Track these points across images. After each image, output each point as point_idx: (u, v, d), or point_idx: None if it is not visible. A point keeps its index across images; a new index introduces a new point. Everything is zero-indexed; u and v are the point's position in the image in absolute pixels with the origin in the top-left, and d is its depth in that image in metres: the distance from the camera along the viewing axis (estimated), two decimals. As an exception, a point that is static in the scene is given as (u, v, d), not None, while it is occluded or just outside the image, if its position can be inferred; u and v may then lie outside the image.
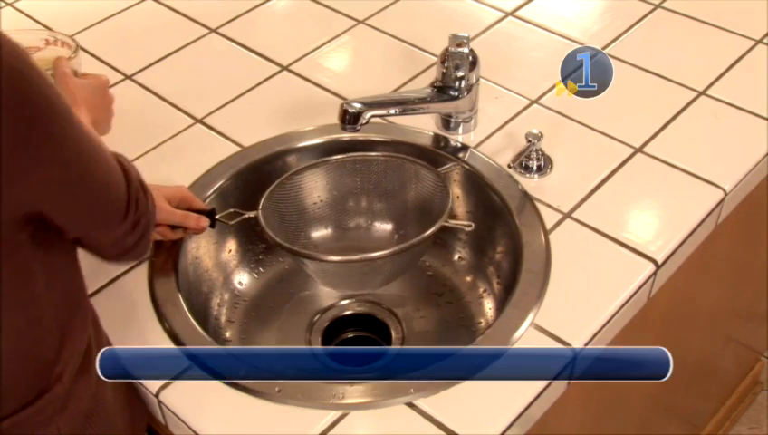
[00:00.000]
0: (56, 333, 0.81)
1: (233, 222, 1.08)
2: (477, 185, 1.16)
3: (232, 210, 1.08)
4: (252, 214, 1.07)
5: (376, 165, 1.16)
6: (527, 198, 1.11)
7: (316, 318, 1.17)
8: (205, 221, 1.06)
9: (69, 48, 1.10)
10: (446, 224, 1.04)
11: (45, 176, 0.70)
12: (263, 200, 1.08)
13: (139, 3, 1.52)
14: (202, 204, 1.09)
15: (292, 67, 1.36)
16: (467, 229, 1.05)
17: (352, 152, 1.17)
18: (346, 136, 1.20)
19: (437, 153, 1.20)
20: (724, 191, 1.11)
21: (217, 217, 1.07)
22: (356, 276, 1.08)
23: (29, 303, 0.77)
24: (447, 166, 1.15)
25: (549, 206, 1.10)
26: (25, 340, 0.78)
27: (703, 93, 1.26)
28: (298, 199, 1.15)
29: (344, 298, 1.19)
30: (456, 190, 1.20)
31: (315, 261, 1.06)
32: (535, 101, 1.26)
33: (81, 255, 0.86)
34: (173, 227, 1.05)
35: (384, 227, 1.22)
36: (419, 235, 1.04)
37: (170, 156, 1.21)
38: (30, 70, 0.67)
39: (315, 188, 1.16)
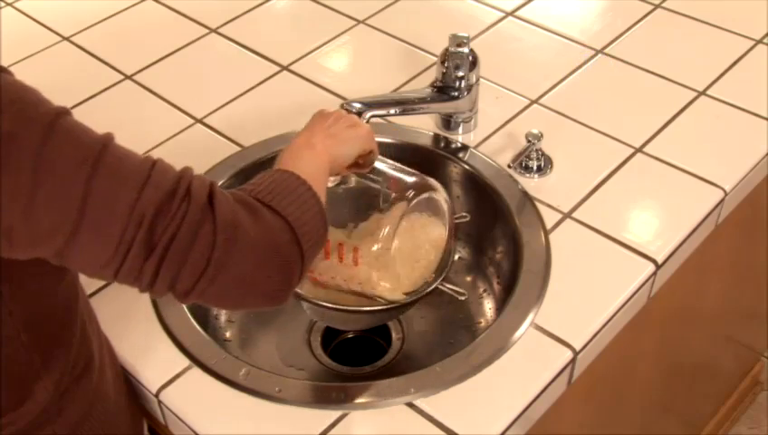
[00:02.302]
0: (36, 355, 0.78)
1: None
2: (477, 185, 1.16)
3: None
4: None
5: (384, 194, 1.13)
6: (527, 198, 1.11)
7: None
8: None
9: None
10: (440, 287, 1.01)
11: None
12: None
13: (138, 3, 1.52)
14: None
15: (292, 67, 1.36)
16: (461, 298, 1.02)
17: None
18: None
19: (437, 153, 1.20)
20: (724, 191, 1.11)
21: None
22: (341, 317, 1.06)
23: None
24: (459, 216, 1.11)
25: (549, 206, 1.10)
26: None
27: (703, 93, 1.26)
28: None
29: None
30: (456, 190, 1.20)
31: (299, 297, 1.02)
32: (535, 101, 1.26)
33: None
34: None
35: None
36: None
37: (170, 156, 1.20)
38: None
39: None
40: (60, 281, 0.79)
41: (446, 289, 1.01)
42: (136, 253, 0.65)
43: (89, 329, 0.86)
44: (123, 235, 0.65)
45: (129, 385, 0.96)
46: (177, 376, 0.94)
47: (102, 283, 1.03)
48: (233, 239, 0.68)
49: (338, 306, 1.01)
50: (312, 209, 0.76)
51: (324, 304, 1.01)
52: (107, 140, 0.67)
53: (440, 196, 1.02)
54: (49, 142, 0.63)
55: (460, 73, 1.15)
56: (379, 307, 1.01)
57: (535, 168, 1.14)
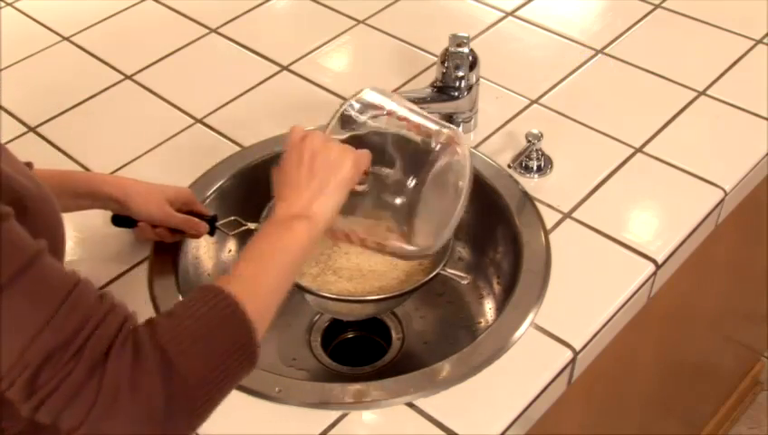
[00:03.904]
0: None
1: (233, 232, 1.07)
2: (477, 185, 1.16)
3: (233, 218, 1.08)
4: (252, 226, 1.06)
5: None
6: (527, 198, 1.11)
7: (316, 318, 1.17)
8: (204, 227, 1.05)
9: None
10: (442, 272, 1.01)
11: None
12: (264, 213, 1.07)
13: (138, 3, 1.52)
14: (204, 209, 1.08)
15: (292, 67, 1.36)
16: (463, 282, 1.02)
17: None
18: (346, 136, 1.20)
19: (437, 153, 1.20)
20: (724, 191, 1.11)
21: (218, 224, 1.07)
22: (345, 308, 1.07)
23: None
24: None
25: (549, 206, 1.10)
26: None
27: (703, 93, 1.26)
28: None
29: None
30: (456, 190, 1.20)
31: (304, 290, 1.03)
32: (535, 101, 1.26)
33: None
34: (172, 231, 1.05)
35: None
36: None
37: (170, 156, 1.21)
38: None
39: None
40: None
41: (448, 274, 1.01)
42: (16, 391, 0.63)
43: None
44: (10, 371, 0.62)
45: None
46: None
47: (102, 283, 1.04)
48: (111, 410, 0.63)
49: (341, 296, 1.02)
50: (222, 351, 0.69)
51: (327, 294, 1.01)
52: (35, 257, 0.64)
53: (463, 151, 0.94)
54: None
55: (460, 73, 1.15)
56: (382, 296, 1.01)
57: (535, 168, 1.14)
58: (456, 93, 1.16)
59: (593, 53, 1.34)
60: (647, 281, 1.02)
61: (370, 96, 0.93)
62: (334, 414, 0.90)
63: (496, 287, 1.15)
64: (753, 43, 1.34)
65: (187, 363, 0.66)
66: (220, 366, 0.68)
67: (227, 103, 1.30)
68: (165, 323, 0.68)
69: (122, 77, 1.36)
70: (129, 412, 0.64)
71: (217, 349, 0.68)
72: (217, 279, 0.74)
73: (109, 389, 0.63)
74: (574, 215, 1.09)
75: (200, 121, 1.27)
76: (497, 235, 1.15)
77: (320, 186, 0.82)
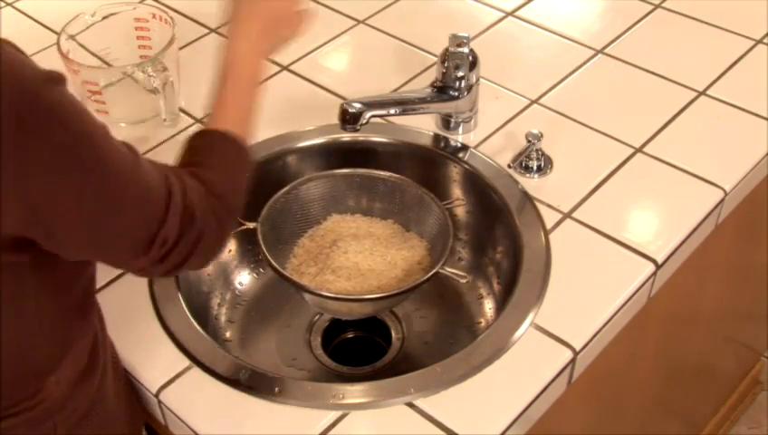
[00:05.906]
0: (56, 344, 0.80)
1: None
2: (477, 185, 1.16)
3: None
4: (251, 225, 1.06)
5: (383, 185, 1.14)
6: (527, 198, 1.11)
7: (316, 318, 1.17)
8: None
9: None
10: (441, 271, 1.01)
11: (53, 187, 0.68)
12: (263, 212, 1.07)
13: (138, 2, 1.52)
14: None
15: (292, 67, 1.36)
16: (462, 281, 1.03)
17: (358, 167, 1.15)
18: (346, 136, 1.20)
19: (437, 153, 1.20)
20: (724, 191, 1.11)
21: None
22: (344, 307, 1.07)
23: (22, 316, 0.75)
24: (452, 201, 1.15)
25: (549, 206, 1.10)
26: (19, 348, 0.76)
27: (703, 93, 1.26)
28: (300, 212, 1.13)
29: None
30: (456, 190, 1.20)
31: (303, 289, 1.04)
32: (535, 101, 1.26)
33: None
34: None
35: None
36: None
37: (170, 156, 1.21)
38: (67, 100, 0.68)
39: (318, 201, 1.14)
40: (84, 270, 0.81)
41: (447, 272, 1.01)
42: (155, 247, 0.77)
43: (98, 324, 0.87)
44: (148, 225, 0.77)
45: (130, 385, 0.96)
46: (177, 376, 0.94)
47: (102, 283, 1.04)
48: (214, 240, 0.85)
49: (339, 295, 1.02)
50: (243, 177, 0.91)
51: (326, 293, 1.02)
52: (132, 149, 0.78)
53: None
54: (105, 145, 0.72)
55: (460, 73, 1.15)
56: (381, 295, 1.02)
57: (535, 168, 1.14)
58: (456, 93, 1.16)
59: (593, 53, 1.34)
60: (647, 281, 1.02)
61: None
62: (334, 414, 0.90)
63: (496, 287, 1.15)
64: (753, 43, 1.34)
65: (233, 197, 0.87)
66: (243, 189, 0.90)
67: (227, 103, 1.30)
68: (214, 179, 0.85)
69: (121, 77, 1.36)
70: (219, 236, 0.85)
71: (242, 180, 0.90)
72: (213, 121, 0.93)
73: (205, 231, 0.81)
74: (574, 215, 1.09)
75: (200, 122, 1.27)
76: (497, 235, 1.15)
77: (274, 37, 1.02)
